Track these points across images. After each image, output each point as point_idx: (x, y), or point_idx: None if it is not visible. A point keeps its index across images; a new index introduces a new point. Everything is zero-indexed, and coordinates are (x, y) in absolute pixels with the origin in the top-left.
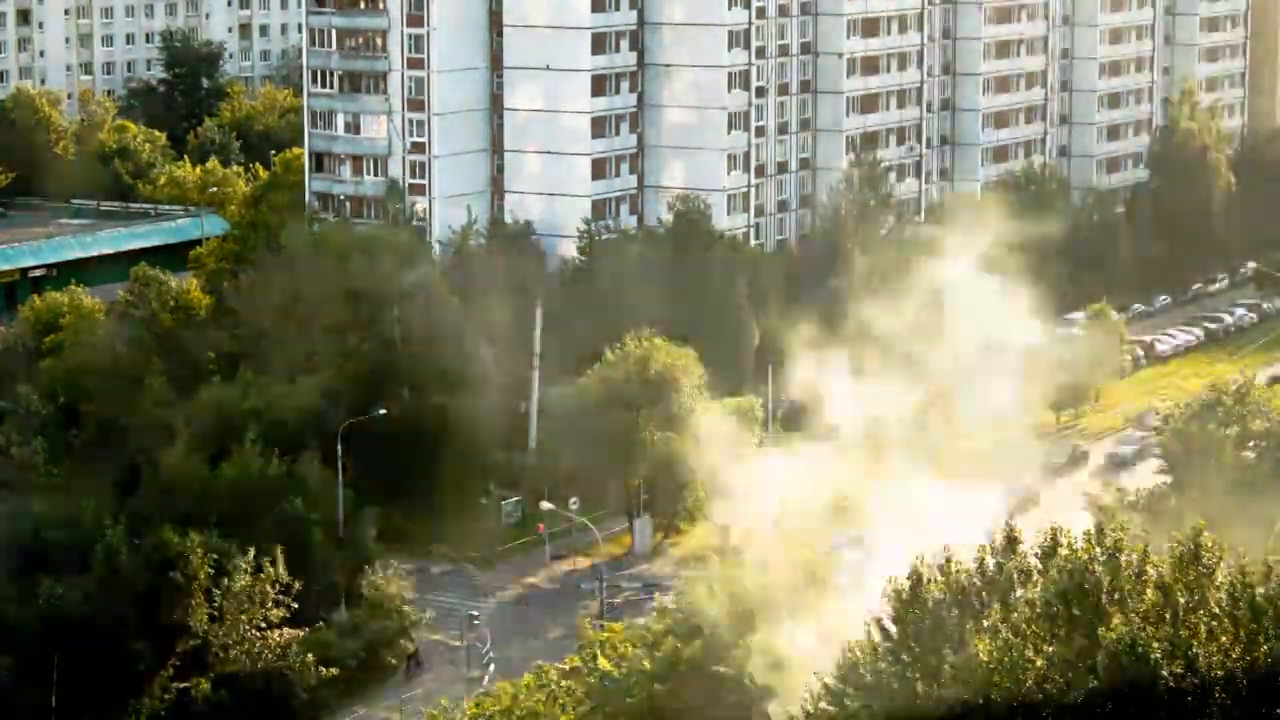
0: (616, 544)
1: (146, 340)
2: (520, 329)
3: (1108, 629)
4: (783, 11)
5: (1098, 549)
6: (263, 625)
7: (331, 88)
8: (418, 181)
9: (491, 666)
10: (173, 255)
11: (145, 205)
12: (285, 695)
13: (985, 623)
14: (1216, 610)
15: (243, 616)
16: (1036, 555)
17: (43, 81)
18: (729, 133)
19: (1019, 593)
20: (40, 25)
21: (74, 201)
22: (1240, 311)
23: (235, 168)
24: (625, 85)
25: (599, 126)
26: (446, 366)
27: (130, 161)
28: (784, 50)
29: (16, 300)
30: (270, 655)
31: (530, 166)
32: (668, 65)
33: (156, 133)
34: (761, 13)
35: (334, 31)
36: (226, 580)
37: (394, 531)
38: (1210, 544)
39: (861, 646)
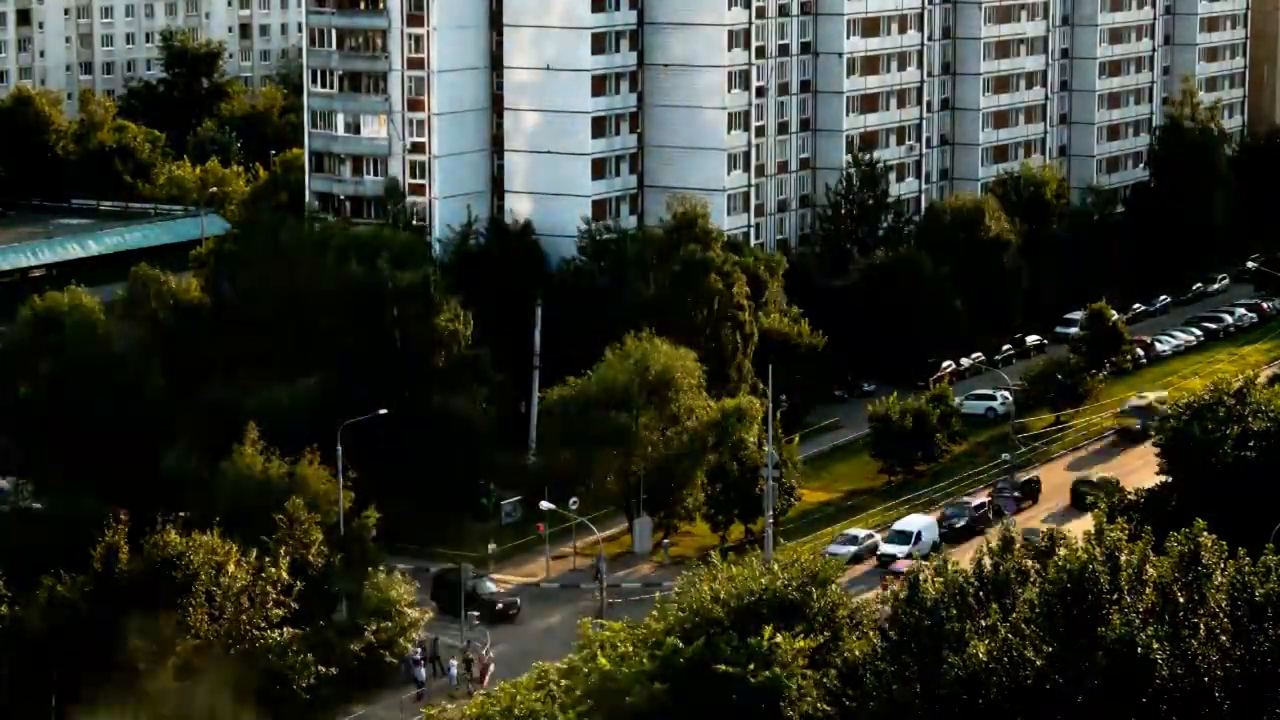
0: (617, 544)
1: (146, 340)
2: (520, 329)
3: (1107, 629)
4: (783, 11)
5: (1097, 549)
6: (263, 625)
7: (331, 88)
8: (418, 181)
9: (491, 667)
10: (173, 255)
11: (145, 205)
12: (285, 695)
13: (984, 623)
14: (1216, 610)
15: (243, 616)
16: (1033, 555)
17: (43, 81)
18: (729, 133)
19: (1017, 593)
20: (40, 25)
21: (74, 201)
22: (1240, 311)
23: (235, 168)
24: (625, 85)
25: (599, 126)
26: (446, 366)
27: (130, 161)
28: (784, 50)
29: (17, 300)
30: (270, 655)
31: (530, 166)
32: (667, 65)
33: (156, 133)
34: (761, 13)
35: (334, 31)
36: (226, 580)
37: (394, 531)
38: (1210, 544)
39: (861, 647)
